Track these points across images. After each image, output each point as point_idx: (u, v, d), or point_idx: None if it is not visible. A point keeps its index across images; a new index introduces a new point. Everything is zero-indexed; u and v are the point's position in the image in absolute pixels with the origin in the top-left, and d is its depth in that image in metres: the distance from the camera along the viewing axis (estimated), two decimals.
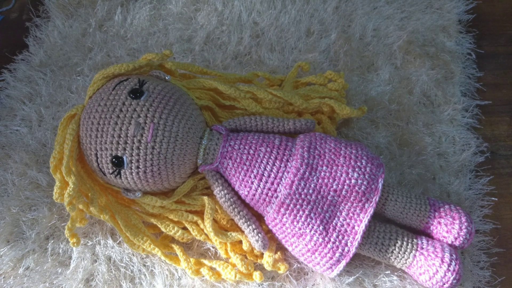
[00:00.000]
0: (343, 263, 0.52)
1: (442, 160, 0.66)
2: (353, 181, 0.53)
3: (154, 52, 0.62)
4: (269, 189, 0.54)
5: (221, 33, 0.80)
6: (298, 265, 0.58)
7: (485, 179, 0.65)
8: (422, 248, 0.53)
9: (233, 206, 0.56)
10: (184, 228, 0.58)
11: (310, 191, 0.53)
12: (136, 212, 0.58)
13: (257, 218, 0.58)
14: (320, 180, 0.53)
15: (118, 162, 0.53)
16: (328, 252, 0.52)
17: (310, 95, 0.66)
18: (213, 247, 0.60)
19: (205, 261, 0.57)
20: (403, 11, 0.81)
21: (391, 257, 0.54)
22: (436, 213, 0.55)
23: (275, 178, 0.54)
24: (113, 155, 0.52)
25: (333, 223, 0.53)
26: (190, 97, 0.59)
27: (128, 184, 0.55)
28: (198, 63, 0.76)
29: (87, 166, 0.57)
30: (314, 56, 0.76)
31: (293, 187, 0.53)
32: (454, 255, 0.52)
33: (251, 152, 0.55)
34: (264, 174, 0.54)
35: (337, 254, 0.52)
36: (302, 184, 0.53)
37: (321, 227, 0.52)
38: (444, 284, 0.52)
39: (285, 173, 0.54)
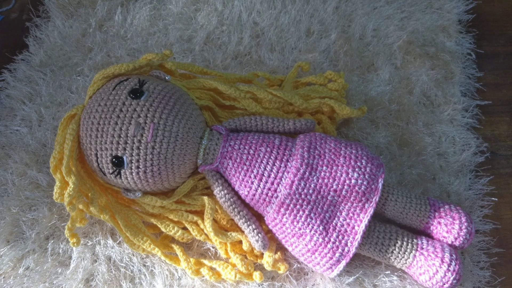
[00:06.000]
0: (343, 263, 0.52)
1: (442, 160, 0.66)
2: (353, 181, 0.53)
3: (154, 52, 0.62)
4: (269, 189, 0.54)
5: (221, 33, 0.80)
6: (298, 265, 0.58)
7: (485, 179, 0.65)
8: (422, 248, 0.53)
9: (233, 206, 0.56)
10: (184, 228, 0.58)
11: (310, 191, 0.53)
12: (136, 212, 0.58)
13: (257, 218, 0.58)
14: (320, 180, 0.53)
15: (118, 162, 0.53)
16: (328, 252, 0.52)
17: (310, 95, 0.66)
18: (213, 247, 0.60)
19: (205, 261, 0.57)
20: (403, 11, 0.81)
21: (391, 257, 0.54)
22: (436, 213, 0.55)
23: (275, 178, 0.54)
24: (113, 155, 0.52)
25: (333, 223, 0.53)
26: (190, 97, 0.60)
27: (128, 184, 0.55)
28: (198, 63, 0.76)
29: (87, 166, 0.57)
30: (314, 56, 0.76)
31: (293, 187, 0.53)
32: (454, 255, 0.52)
33: (251, 152, 0.55)
34: (264, 174, 0.54)
35: (337, 254, 0.52)
36: (302, 184, 0.53)
37: (321, 227, 0.52)
38: (444, 284, 0.52)
39: (285, 173, 0.54)
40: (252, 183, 0.55)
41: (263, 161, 0.55)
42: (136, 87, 0.54)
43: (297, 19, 0.80)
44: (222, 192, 0.56)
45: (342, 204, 0.53)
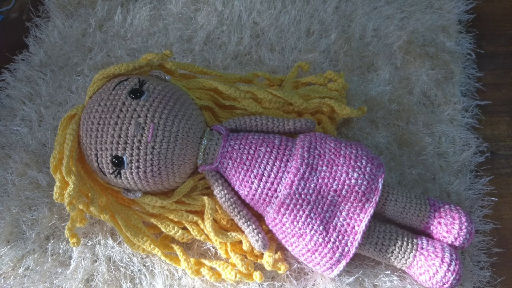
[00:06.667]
0: (343, 263, 0.52)
1: (442, 160, 0.66)
2: (353, 181, 0.53)
3: (154, 52, 0.62)
4: (269, 189, 0.54)
5: (221, 33, 0.80)
6: (298, 265, 0.58)
7: (485, 179, 0.65)
8: (422, 248, 0.53)
9: (233, 206, 0.56)
10: (184, 228, 0.58)
11: (310, 191, 0.53)
12: (136, 212, 0.58)
13: (257, 218, 0.58)
14: (320, 180, 0.53)
15: (118, 162, 0.53)
16: (328, 252, 0.52)
17: (310, 95, 0.66)
18: (213, 247, 0.60)
19: (205, 261, 0.57)
20: (403, 11, 0.81)
21: (391, 257, 0.54)
22: (436, 213, 0.55)
23: (275, 178, 0.54)
24: (113, 155, 0.52)
25: (333, 223, 0.53)
26: (190, 97, 0.60)
27: (128, 184, 0.55)
28: (198, 63, 0.76)
29: (87, 166, 0.57)
30: (314, 56, 0.76)
31: (293, 187, 0.53)
32: (454, 255, 0.52)
33: (251, 152, 0.55)
34: (264, 174, 0.54)
35: (337, 254, 0.52)
36: (302, 184, 0.53)
37: (321, 227, 0.52)
38: (444, 284, 0.52)
39: (285, 173, 0.54)
40: (252, 183, 0.55)
41: (263, 161, 0.55)
42: (136, 87, 0.54)
43: (297, 19, 0.80)
44: (222, 192, 0.56)
45: (342, 204, 0.53)
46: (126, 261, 0.59)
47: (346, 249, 0.52)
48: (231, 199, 0.56)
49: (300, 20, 0.80)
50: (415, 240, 0.54)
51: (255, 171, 0.55)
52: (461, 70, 0.75)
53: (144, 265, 0.59)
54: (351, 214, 0.53)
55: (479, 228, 0.61)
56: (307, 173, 0.53)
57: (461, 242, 0.54)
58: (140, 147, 0.52)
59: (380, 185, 0.54)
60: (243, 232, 0.57)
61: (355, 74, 0.74)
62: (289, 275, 0.57)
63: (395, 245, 0.54)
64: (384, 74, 0.74)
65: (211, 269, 0.57)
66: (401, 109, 0.70)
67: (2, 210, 0.63)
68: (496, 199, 0.64)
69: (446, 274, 0.52)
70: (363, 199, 0.53)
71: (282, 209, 0.53)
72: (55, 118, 0.71)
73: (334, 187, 0.53)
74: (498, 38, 0.81)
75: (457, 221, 0.54)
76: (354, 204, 0.53)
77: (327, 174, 0.53)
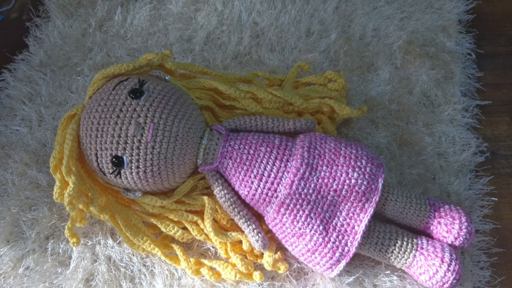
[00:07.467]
0: (343, 263, 0.52)
1: (442, 160, 0.66)
2: (353, 181, 0.53)
3: (154, 52, 0.62)
4: (269, 189, 0.54)
5: (221, 33, 0.80)
6: (298, 265, 0.58)
7: (485, 179, 0.65)
8: (422, 248, 0.53)
9: (233, 206, 0.56)
10: (184, 228, 0.58)
11: (310, 191, 0.53)
12: (136, 212, 0.58)
13: (257, 218, 0.58)
14: (320, 180, 0.53)
15: (118, 162, 0.53)
16: (328, 252, 0.52)
17: (310, 95, 0.66)
18: (213, 247, 0.60)
19: (205, 261, 0.57)
20: (403, 11, 0.82)
21: (391, 257, 0.54)
22: (436, 213, 0.55)
23: (275, 178, 0.54)
24: (113, 155, 0.52)
25: (333, 223, 0.53)
26: (190, 97, 0.60)
27: (128, 184, 0.55)
28: (198, 63, 0.76)
29: (87, 166, 0.57)
30: (314, 56, 0.76)
31: (293, 187, 0.53)
32: (454, 255, 0.52)
33: (251, 152, 0.56)
34: (264, 174, 0.54)
35: (337, 254, 0.52)
36: (302, 184, 0.53)
37: (321, 227, 0.52)
38: (444, 284, 0.52)
39: (285, 173, 0.54)
40: (252, 183, 0.55)
41: (263, 161, 0.55)
42: (136, 87, 0.54)
43: (297, 19, 0.80)
44: (222, 192, 0.56)
45: (342, 204, 0.53)
46: (126, 261, 0.59)
47: (346, 249, 0.52)
48: (231, 199, 0.56)
49: (300, 20, 0.80)
50: (415, 240, 0.54)
51: (255, 171, 0.55)
52: (461, 70, 0.75)
53: (144, 265, 0.59)
54: (351, 214, 0.53)
55: (479, 228, 0.61)
56: (307, 173, 0.53)
57: (461, 242, 0.54)
58: (140, 147, 0.52)
59: (380, 185, 0.54)
60: (243, 232, 0.57)
61: (355, 74, 0.74)
62: (289, 275, 0.57)
63: (395, 245, 0.54)
64: (384, 74, 0.74)
65: (211, 269, 0.57)
66: (401, 109, 0.70)
67: (2, 210, 0.63)
68: (496, 199, 0.64)
69: (446, 274, 0.52)
70: (363, 199, 0.53)
71: (282, 209, 0.53)
72: (55, 118, 0.71)
73: (334, 187, 0.53)
74: (498, 38, 0.81)
75: (457, 221, 0.54)
76: (354, 204, 0.53)
77: (327, 174, 0.53)
